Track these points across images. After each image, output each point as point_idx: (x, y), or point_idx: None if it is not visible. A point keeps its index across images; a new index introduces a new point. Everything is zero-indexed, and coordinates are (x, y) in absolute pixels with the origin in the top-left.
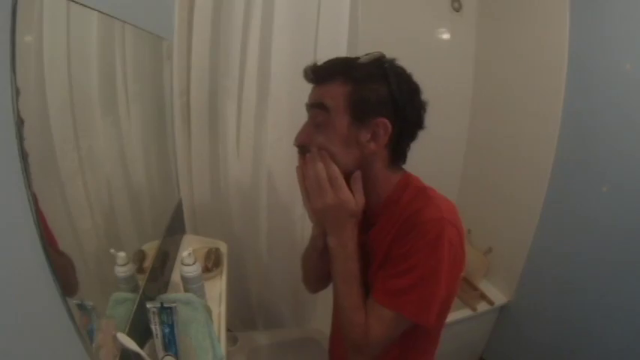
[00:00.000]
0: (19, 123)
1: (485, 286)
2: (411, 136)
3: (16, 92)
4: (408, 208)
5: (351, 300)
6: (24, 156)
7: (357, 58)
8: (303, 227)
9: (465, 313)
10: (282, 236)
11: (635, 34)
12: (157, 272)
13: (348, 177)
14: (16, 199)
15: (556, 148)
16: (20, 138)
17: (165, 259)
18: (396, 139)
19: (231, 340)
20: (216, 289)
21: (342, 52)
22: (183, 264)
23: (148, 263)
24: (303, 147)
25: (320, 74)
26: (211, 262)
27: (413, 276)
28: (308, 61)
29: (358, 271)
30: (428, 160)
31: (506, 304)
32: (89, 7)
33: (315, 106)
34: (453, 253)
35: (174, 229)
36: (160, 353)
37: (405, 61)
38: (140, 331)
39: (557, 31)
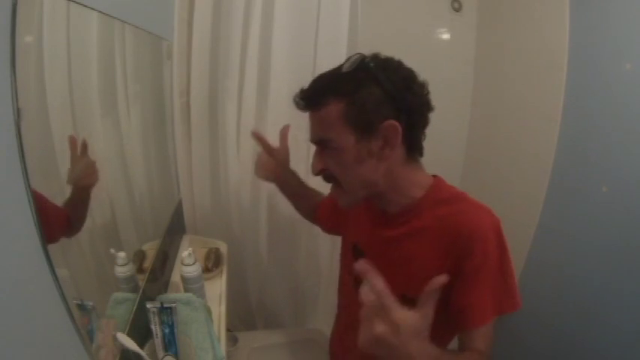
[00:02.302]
0: (19, 122)
1: None
2: (423, 123)
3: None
4: (452, 213)
5: None
6: (24, 155)
7: (340, 68)
8: (303, 227)
9: None
10: (282, 236)
11: (635, 34)
12: (156, 272)
13: (373, 187)
14: (16, 198)
15: (556, 148)
16: (20, 137)
17: (165, 259)
18: (409, 134)
19: (231, 340)
20: (216, 289)
21: (341, 53)
22: (183, 264)
23: (148, 263)
24: (322, 173)
25: (310, 101)
26: (211, 262)
27: (495, 281)
28: (308, 61)
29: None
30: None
31: None
32: (89, 7)
33: (316, 143)
34: (507, 243)
35: (174, 229)
36: (160, 353)
37: (405, 61)
38: (140, 331)
39: (557, 31)
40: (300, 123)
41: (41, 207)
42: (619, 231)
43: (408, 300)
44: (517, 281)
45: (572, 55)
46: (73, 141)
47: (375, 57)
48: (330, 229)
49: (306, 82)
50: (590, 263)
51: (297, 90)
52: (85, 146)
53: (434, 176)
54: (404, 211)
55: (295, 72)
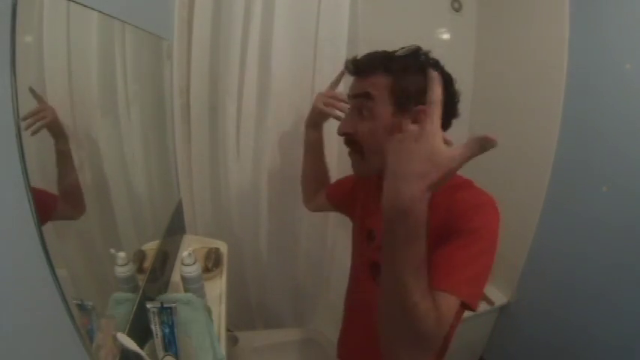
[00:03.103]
0: (19, 123)
1: (486, 286)
2: (447, 125)
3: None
4: (457, 191)
5: (422, 286)
6: (24, 156)
7: (395, 52)
8: (303, 227)
9: (465, 313)
10: (282, 236)
11: (635, 34)
12: (156, 272)
13: None
14: (16, 198)
15: (556, 148)
16: (20, 138)
17: (165, 259)
18: None
19: (231, 340)
20: (216, 289)
21: (341, 53)
22: (183, 264)
23: (148, 263)
24: (348, 136)
25: (361, 67)
26: (211, 262)
27: (484, 260)
28: (308, 61)
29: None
30: None
31: (506, 304)
32: (89, 7)
33: (361, 95)
34: (497, 238)
35: (174, 229)
36: (160, 353)
37: None
38: (140, 331)
39: (557, 31)
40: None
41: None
42: (619, 231)
43: None
44: (484, 288)
45: (572, 55)
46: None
47: (427, 53)
48: (332, 202)
49: (306, 81)
50: (590, 263)
51: (297, 90)
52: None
53: None
54: None
55: (295, 72)
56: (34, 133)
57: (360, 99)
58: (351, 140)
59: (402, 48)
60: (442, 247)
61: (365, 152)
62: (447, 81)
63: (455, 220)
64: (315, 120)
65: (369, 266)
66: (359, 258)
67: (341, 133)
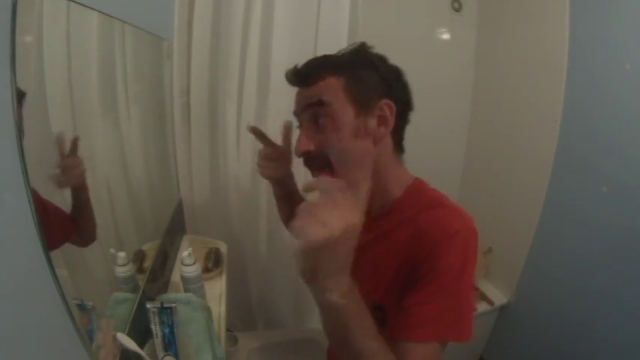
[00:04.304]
0: (19, 122)
1: (485, 286)
2: (406, 118)
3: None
4: (423, 216)
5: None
6: (24, 156)
7: (337, 53)
8: None
9: None
10: (282, 236)
11: (635, 34)
12: (156, 272)
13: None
14: (16, 198)
15: (556, 148)
16: (20, 137)
17: (165, 259)
18: (397, 125)
19: (231, 340)
20: (216, 289)
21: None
22: (183, 264)
23: (148, 263)
24: (309, 154)
25: (305, 74)
26: (211, 262)
27: (446, 296)
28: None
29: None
30: (428, 159)
31: (506, 304)
32: (89, 7)
33: (315, 104)
34: (476, 263)
35: (174, 229)
36: (160, 353)
37: (406, 61)
38: (140, 331)
39: (557, 31)
40: None
41: (43, 209)
42: (619, 231)
43: (377, 308)
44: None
45: (572, 55)
46: (61, 138)
47: (370, 48)
48: None
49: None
50: (590, 263)
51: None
52: (75, 144)
53: (416, 178)
54: (378, 214)
55: None
56: (61, 186)
57: (313, 109)
58: (314, 157)
59: (342, 49)
60: (408, 294)
61: (334, 165)
62: (399, 74)
63: (418, 259)
64: (272, 182)
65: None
66: None
67: (300, 153)
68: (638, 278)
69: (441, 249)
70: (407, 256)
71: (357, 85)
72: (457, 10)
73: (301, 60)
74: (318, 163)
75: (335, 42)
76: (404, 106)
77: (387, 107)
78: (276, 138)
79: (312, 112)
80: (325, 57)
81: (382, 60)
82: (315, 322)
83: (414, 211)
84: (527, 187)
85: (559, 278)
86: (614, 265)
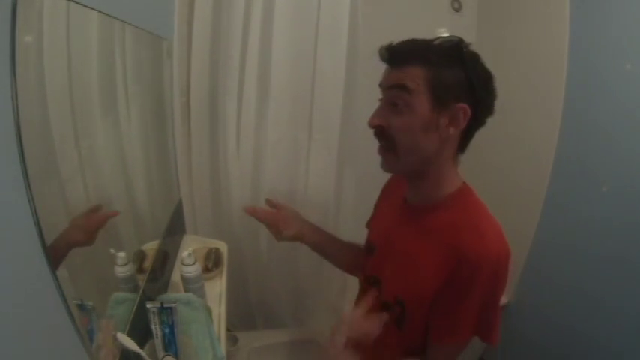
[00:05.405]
0: (19, 123)
1: None
2: (483, 122)
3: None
4: (466, 235)
5: None
6: (24, 156)
7: (434, 41)
8: None
9: None
10: None
11: (635, 34)
12: (156, 272)
13: (424, 163)
14: (16, 198)
15: (556, 148)
16: (20, 138)
17: (165, 259)
18: (469, 127)
19: (231, 340)
20: (216, 289)
21: (342, 52)
22: (183, 264)
23: (148, 263)
24: (380, 129)
25: (397, 55)
26: (211, 262)
27: (485, 309)
28: (308, 61)
29: None
30: None
31: (506, 304)
32: (89, 7)
33: (397, 87)
34: (507, 279)
35: (174, 229)
36: (160, 353)
37: None
38: (140, 331)
39: (557, 31)
40: (301, 123)
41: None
42: (619, 231)
43: (399, 303)
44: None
45: (572, 55)
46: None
47: (468, 46)
48: None
49: (306, 81)
50: (590, 263)
51: (297, 90)
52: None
53: (464, 183)
54: (425, 208)
55: (295, 72)
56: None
57: (395, 90)
58: (383, 134)
59: (443, 37)
60: (442, 302)
61: (398, 149)
62: (488, 78)
63: (453, 271)
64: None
65: (365, 278)
66: (362, 269)
67: (373, 126)
68: (638, 278)
69: (481, 273)
70: (446, 270)
71: (440, 81)
72: (457, 10)
73: (300, 60)
74: (385, 141)
75: (335, 42)
76: (483, 110)
77: (461, 111)
78: (277, 134)
79: (393, 92)
80: (422, 44)
81: (475, 61)
82: (315, 322)
83: (458, 220)
84: (527, 186)
85: (559, 278)
86: (613, 265)
